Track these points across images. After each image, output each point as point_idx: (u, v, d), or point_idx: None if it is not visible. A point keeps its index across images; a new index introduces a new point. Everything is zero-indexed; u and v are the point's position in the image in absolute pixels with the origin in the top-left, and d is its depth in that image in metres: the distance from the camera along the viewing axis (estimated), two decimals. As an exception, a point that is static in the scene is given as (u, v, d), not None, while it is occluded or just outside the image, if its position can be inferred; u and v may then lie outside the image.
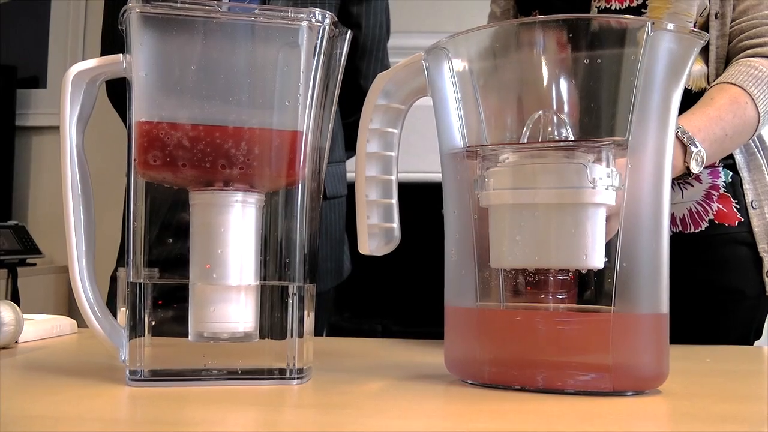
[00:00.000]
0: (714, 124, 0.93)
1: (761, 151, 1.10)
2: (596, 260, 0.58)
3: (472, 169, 0.63)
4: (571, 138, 0.59)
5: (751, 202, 1.07)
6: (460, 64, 0.63)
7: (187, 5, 0.58)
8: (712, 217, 1.07)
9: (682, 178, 1.05)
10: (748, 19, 1.02)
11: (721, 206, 1.07)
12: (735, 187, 1.08)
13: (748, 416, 0.55)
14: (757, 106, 0.96)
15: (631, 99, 0.58)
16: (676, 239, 1.07)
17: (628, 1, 1.05)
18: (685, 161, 0.89)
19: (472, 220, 0.63)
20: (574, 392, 0.58)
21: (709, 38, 1.03)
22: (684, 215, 1.08)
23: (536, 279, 0.61)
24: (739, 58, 1.01)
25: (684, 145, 0.89)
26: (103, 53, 1.46)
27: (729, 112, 0.95)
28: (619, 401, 0.56)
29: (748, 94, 0.96)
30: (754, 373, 0.77)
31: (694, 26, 1.03)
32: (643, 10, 1.04)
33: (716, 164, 1.08)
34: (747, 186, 1.08)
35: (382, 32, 1.43)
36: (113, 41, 1.44)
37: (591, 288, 0.59)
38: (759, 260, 1.07)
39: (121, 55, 0.61)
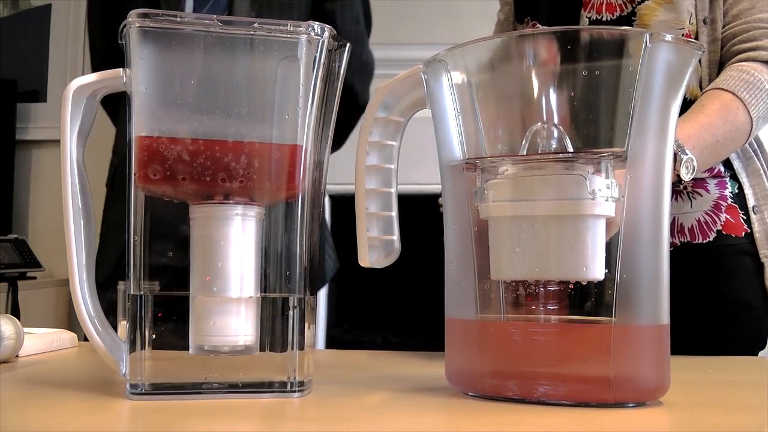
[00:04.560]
0: (705, 130, 0.93)
1: (759, 155, 1.10)
2: (596, 272, 0.58)
3: (471, 181, 0.63)
4: (570, 149, 0.59)
5: (753, 207, 1.07)
6: (458, 77, 0.63)
7: (186, 20, 0.59)
8: (720, 227, 1.07)
9: (674, 186, 1.05)
10: (741, 23, 1.02)
11: (729, 217, 1.07)
12: (741, 198, 1.08)
13: (750, 427, 0.55)
14: (749, 111, 0.96)
15: (629, 110, 0.58)
16: (684, 249, 1.07)
17: (619, 11, 1.06)
18: (675, 169, 0.89)
19: (471, 232, 0.63)
20: (575, 404, 0.57)
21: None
22: (692, 225, 1.07)
23: (536, 291, 0.61)
24: (732, 63, 1.01)
25: (674, 153, 0.89)
26: (95, 66, 1.47)
27: (720, 118, 0.94)
28: (620, 413, 0.56)
29: (740, 99, 0.96)
30: (756, 384, 0.76)
31: (686, 34, 1.03)
32: (633, 18, 1.05)
33: (722, 174, 1.08)
34: (747, 191, 1.08)
35: (358, 27, 1.41)
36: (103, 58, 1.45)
37: (591, 299, 0.59)
38: (761, 266, 1.07)
39: (121, 69, 0.61)
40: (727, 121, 0.95)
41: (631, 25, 1.05)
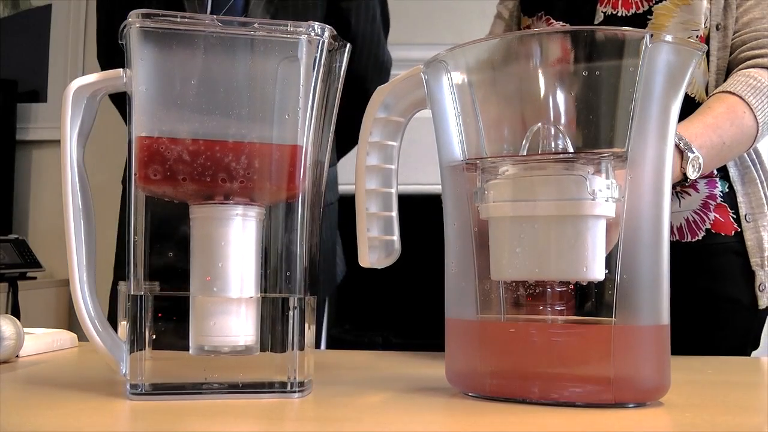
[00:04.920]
0: (711, 131, 0.93)
1: (757, 165, 1.10)
2: (596, 272, 0.58)
3: (471, 182, 0.63)
4: (571, 150, 0.59)
5: (745, 215, 1.08)
6: (459, 77, 0.63)
7: (186, 20, 0.59)
8: (708, 226, 1.07)
9: (679, 185, 1.05)
10: (751, 31, 1.03)
11: (718, 216, 1.08)
12: (732, 197, 1.08)
13: (750, 428, 0.55)
14: (755, 116, 0.96)
15: (630, 110, 0.58)
16: (672, 248, 1.07)
17: (634, 8, 1.06)
18: (681, 167, 0.89)
19: (472, 233, 0.63)
20: (575, 404, 0.57)
21: (710, 49, 1.04)
22: (681, 224, 1.08)
23: (537, 291, 0.61)
24: (739, 69, 1.02)
25: (681, 151, 0.89)
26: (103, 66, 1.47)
27: (726, 120, 0.95)
28: (620, 413, 0.56)
29: (747, 103, 0.96)
30: (756, 385, 0.76)
31: (700, 37, 1.03)
32: (649, 17, 1.05)
33: (713, 174, 1.08)
34: (741, 199, 1.08)
35: (374, 26, 1.40)
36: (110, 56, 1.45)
37: (591, 300, 0.59)
38: (751, 273, 1.07)
39: (121, 69, 0.61)
40: (734, 123, 0.95)
41: (646, 24, 1.05)
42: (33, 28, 3.00)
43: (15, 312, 2.45)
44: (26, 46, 2.99)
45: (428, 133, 0.69)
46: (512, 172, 0.61)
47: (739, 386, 0.74)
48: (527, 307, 0.61)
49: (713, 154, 0.94)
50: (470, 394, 0.62)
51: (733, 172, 1.09)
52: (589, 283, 0.59)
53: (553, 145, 0.59)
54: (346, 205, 1.43)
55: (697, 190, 1.08)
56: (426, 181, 2.15)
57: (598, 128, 0.60)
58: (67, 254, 0.61)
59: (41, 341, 0.86)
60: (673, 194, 1.07)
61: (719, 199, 1.08)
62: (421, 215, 1.58)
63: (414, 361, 0.86)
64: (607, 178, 0.59)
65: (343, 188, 1.56)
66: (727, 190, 1.08)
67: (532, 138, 0.60)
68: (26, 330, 0.82)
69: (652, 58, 0.58)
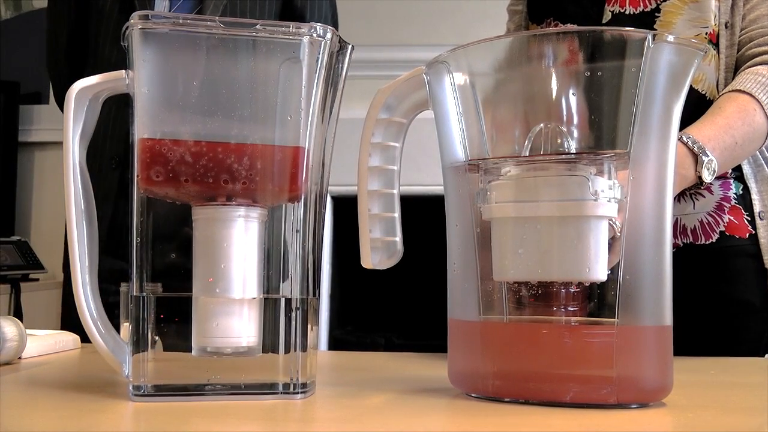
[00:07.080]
0: (723, 132, 0.93)
1: None
2: (599, 273, 0.58)
3: (473, 183, 0.63)
4: (573, 150, 0.59)
5: (759, 213, 1.07)
6: (461, 78, 0.63)
7: (188, 21, 0.59)
8: (723, 228, 1.07)
9: (695, 188, 1.05)
10: (758, 28, 1.03)
11: (732, 218, 1.07)
12: (746, 199, 1.08)
13: (752, 429, 0.55)
14: (766, 113, 0.96)
15: (632, 111, 0.58)
16: (687, 250, 1.08)
17: (642, 6, 1.06)
18: (696, 171, 0.89)
19: (474, 233, 0.63)
20: (578, 405, 0.57)
21: (719, 47, 1.04)
22: (695, 226, 1.07)
23: (539, 292, 0.61)
24: (747, 67, 1.02)
25: (695, 155, 0.89)
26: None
27: (738, 119, 0.95)
28: (623, 414, 0.56)
29: (757, 101, 0.96)
30: (759, 385, 0.76)
31: (710, 34, 1.03)
32: (657, 15, 1.05)
33: (727, 176, 1.08)
34: (755, 197, 1.08)
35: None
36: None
37: (594, 301, 0.59)
38: (764, 271, 1.06)
39: (123, 71, 0.61)
40: (745, 122, 0.95)
41: (654, 21, 1.05)
42: (35, 30, 3.00)
43: (17, 313, 2.45)
44: (28, 48, 3.00)
45: (430, 134, 0.69)
46: (515, 173, 0.61)
47: (742, 387, 0.74)
48: (530, 308, 0.61)
49: (727, 155, 0.94)
50: (472, 395, 0.62)
51: (746, 169, 1.08)
52: (592, 283, 0.59)
53: (555, 146, 0.59)
54: (347, 205, 1.44)
55: (711, 192, 1.07)
56: (428, 182, 2.15)
57: (601, 129, 0.60)
58: (70, 256, 0.61)
59: (44, 343, 0.86)
60: (687, 196, 1.07)
61: (733, 201, 1.07)
62: (423, 216, 1.58)
63: (416, 362, 0.86)
64: (610, 178, 0.59)
65: (344, 189, 1.56)
66: (741, 192, 1.08)
67: (534, 139, 0.60)
68: (29, 331, 0.82)
69: (655, 59, 0.58)
